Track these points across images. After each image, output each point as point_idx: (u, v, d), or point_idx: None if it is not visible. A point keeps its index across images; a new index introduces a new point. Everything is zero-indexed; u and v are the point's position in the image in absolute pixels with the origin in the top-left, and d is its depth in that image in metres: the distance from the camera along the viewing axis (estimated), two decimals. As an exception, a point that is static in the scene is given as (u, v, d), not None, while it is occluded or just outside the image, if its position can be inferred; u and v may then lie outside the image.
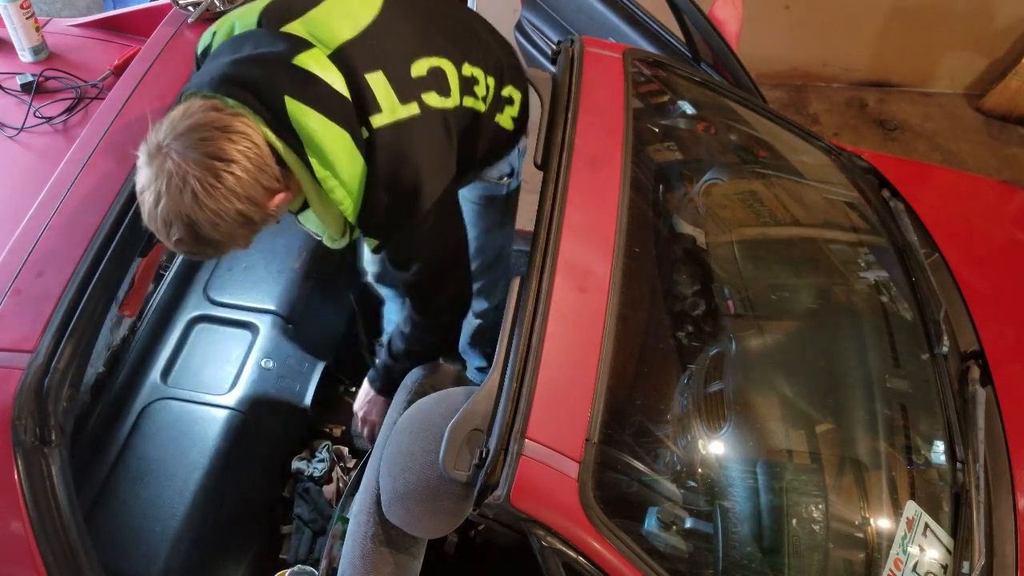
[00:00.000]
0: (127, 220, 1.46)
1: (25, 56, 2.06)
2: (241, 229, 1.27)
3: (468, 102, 1.51)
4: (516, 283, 1.35)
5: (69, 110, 1.92)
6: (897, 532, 1.42)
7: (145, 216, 1.25)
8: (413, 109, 1.37)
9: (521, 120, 1.70)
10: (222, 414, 2.04)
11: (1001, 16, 3.69)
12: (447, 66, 1.46)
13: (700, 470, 1.46)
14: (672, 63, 2.04)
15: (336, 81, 1.31)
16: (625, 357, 1.36)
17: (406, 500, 1.31)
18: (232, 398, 2.08)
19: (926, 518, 1.45)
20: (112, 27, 2.19)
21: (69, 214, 1.47)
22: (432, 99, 1.41)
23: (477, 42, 1.58)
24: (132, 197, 1.48)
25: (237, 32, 1.39)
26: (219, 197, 1.20)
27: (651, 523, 1.29)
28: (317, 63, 1.30)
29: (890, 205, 2.09)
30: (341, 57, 1.33)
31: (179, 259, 2.32)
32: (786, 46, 3.91)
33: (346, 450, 2.16)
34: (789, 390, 1.65)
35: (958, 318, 1.82)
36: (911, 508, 1.45)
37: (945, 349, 1.72)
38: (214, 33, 1.45)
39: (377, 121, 1.33)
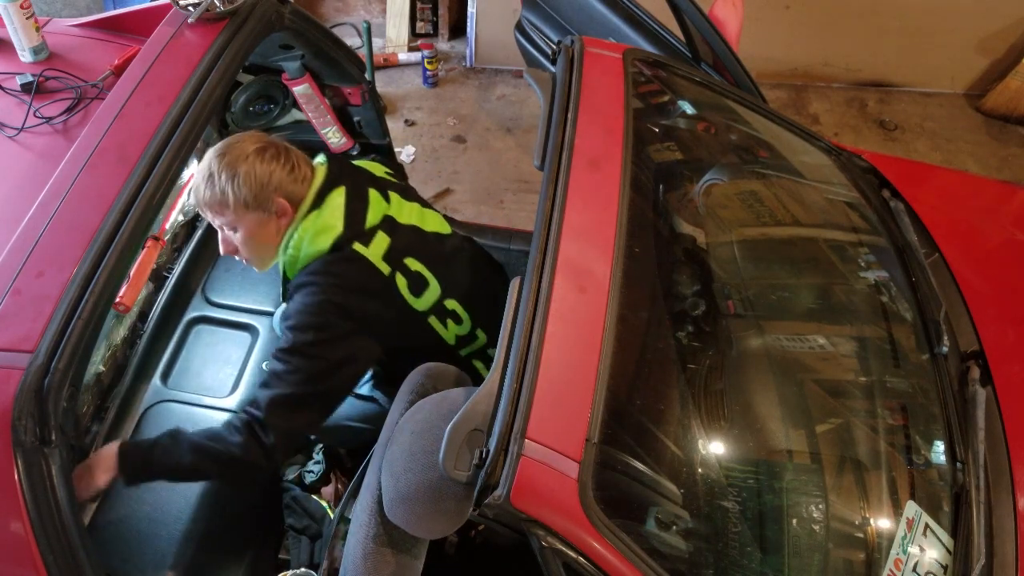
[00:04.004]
0: (127, 220, 1.46)
1: (25, 56, 2.05)
2: None
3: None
4: (516, 283, 1.35)
5: (69, 110, 1.91)
6: (897, 532, 1.42)
7: None
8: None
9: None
10: (224, 417, 2.04)
11: (1001, 16, 3.69)
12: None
13: (700, 470, 1.45)
14: (672, 63, 2.04)
15: None
16: (625, 357, 1.36)
17: (408, 500, 1.31)
18: (234, 401, 2.08)
19: (926, 518, 1.45)
20: (112, 27, 2.18)
21: (69, 214, 1.47)
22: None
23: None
24: (132, 197, 1.48)
25: None
26: None
27: (651, 523, 1.29)
28: None
29: (890, 205, 2.09)
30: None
31: (181, 261, 2.32)
32: (786, 46, 3.91)
33: (343, 451, 2.16)
34: (789, 390, 1.65)
35: (958, 318, 1.82)
36: (911, 508, 1.45)
37: (945, 349, 1.72)
38: None
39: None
